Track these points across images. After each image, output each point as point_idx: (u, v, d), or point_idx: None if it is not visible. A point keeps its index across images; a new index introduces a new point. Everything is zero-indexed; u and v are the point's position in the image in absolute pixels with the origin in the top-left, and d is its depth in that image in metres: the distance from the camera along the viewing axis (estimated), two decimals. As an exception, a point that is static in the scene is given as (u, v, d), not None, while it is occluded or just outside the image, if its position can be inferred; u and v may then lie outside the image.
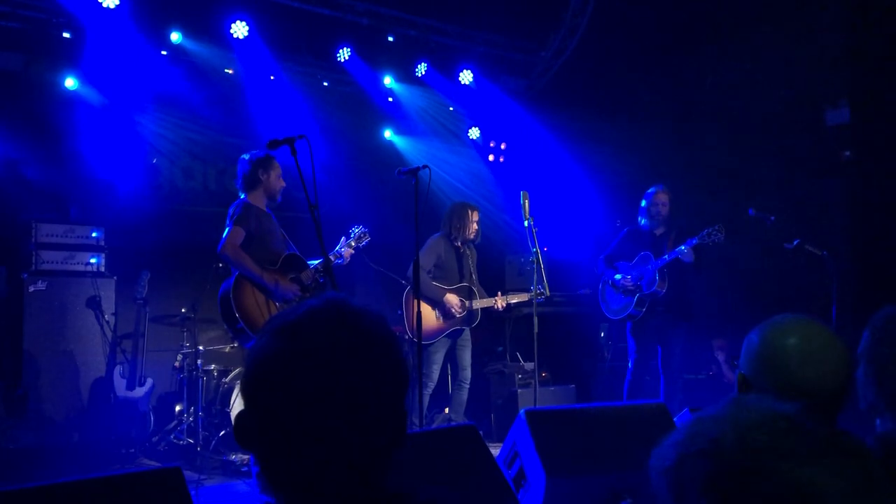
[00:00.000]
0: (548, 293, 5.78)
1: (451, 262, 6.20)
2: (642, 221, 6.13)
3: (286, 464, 1.12)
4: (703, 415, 0.97)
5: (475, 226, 6.24)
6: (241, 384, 1.18)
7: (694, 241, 5.72)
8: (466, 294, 6.24)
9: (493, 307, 6.29)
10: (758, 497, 0.87)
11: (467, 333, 6.29)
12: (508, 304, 6.42)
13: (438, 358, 6.09)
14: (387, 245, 6.24)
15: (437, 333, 6.05)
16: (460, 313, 6.11)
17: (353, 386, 1.11)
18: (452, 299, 6.08)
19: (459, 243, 6.25)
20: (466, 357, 6.28)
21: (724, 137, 7.40)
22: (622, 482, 3.17)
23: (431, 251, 6.13)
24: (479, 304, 6.23)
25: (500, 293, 6.37)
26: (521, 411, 3.39)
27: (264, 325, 1.21)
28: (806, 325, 1.67)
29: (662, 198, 6.05)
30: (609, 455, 3.33)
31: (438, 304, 6.06)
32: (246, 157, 4.95)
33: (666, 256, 5.84)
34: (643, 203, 6.11)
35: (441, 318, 6.08)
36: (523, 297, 6.39)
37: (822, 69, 6.86)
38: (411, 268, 6.07)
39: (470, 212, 6.23)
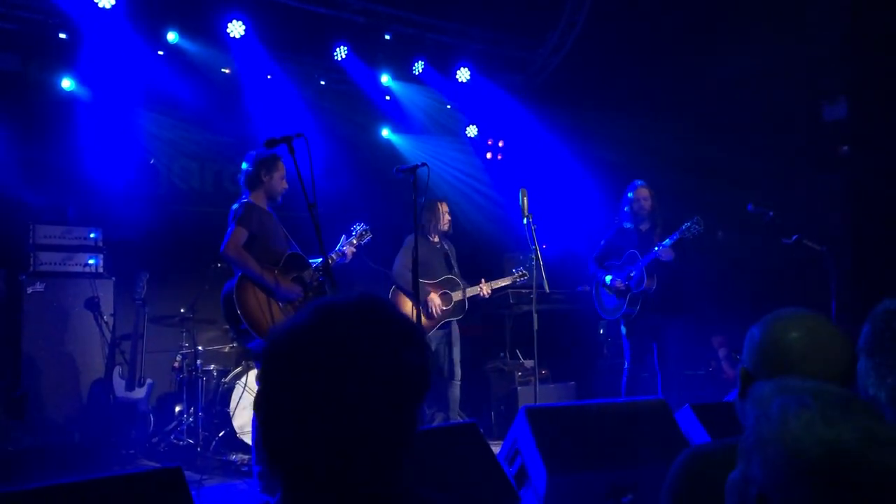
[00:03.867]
0: (547, 290, 5.78)
1: (430, 258, 6.22)
2: (627, 215, 6.16)
3: (293, 451, 1.12)
4: (828, 424, 0.94)
5: (447, 216, 6.33)
6: (263, 363, 1.17)
7: (675, 237, 5.76)
8: (452, 286, 6.28)
9: (478, 295, 6.33)
10: None
11: (456, 330, 6.32)
12: (499, 295, 6.48)
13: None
14: (385, 243, 6.24)
15: (428, 328, 6.08)
16: (439, 314, 6.13)
17: (382, 371, 1.11)
18: (434, 299, 6.12)
19: (436, 238, 6.30)
20: (456, 353, 6.31)
21: (722, 133, 7.40)
22: (624, 478, 3.18)
23: (409, 249, 6.17)
24: (462, 294, 6.27)
25: (483, 280, 6.40)
26: (522, 408, 3.40)
27: (300, 311, 1.21)
28: (808, 319, 1.67)
29: (643, 193, 6.08)
30: (610, 451, 3.34)
31: (422, 303, 6.07)
32: (251, 156, 4.93)
33: (648, 255, 5.87)
34: (624, 200, 6.14)
35: (425, 315, 6.09)
36: (506, 281, 6.49)
37: (819, 64, 6.86)
38: (395, 265, 6.14)
39: (439, 204, 6.34)
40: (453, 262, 6.40)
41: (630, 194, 6.11)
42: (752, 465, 0.97)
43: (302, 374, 1.11)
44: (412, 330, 1.18)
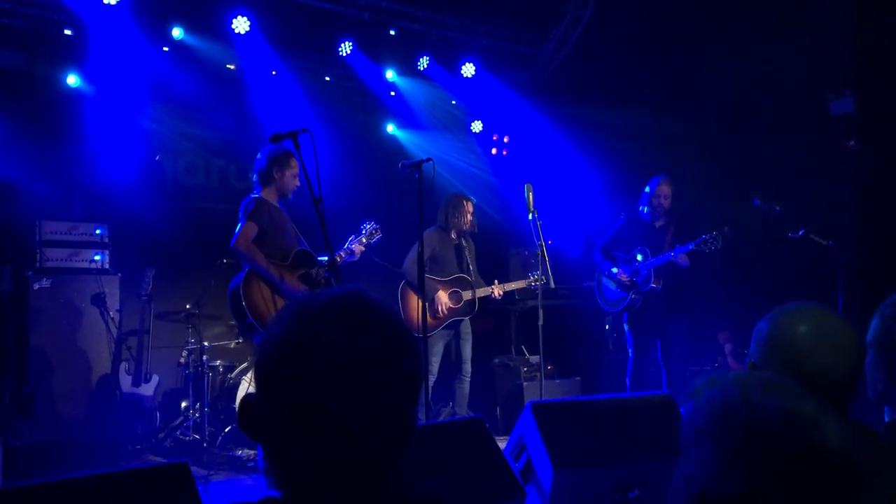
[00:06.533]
0: (552, 285, 5.76)
1: (446, 254, 6.19)
2: (644, 210, 6.07)
3: (292, 453, 1.11)
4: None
5: (470, 216, 6.25)
6: (256, 366, 1.16)
7: (690, 247, 5.65)
8: (464, 285, 6.24)
9: (490, 296, 6.28)
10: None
11: (467, 326, 6.28)
12: (506, 292, 6.42)
13: (438, 350, 6.09)
14: (391, 240, 6.23)
15: (434, 326, 6.03)
16: (445, 313, 6.08)
17: (371, 378, 1.10)
18: (441, 297, 6.06)
19: (455, 235, 6.26)
20: (467, 350, 6.28)
21: (729, 127, 7.37)
22: (630, 473, 3.17)
23: (426, 244, 6.12)
24: (472, 294, 6.22)
25: (496, 281, 6.35)
26: (528, 404, 3.39)
27: (284, 308, 1.19)
28: (816, 313, 1.66)
29: (665, 189, 5.97)
30: (616, 447, 3.33)
31: (430, 300, 6.03)
32: (264, 152, 4.94)
33: (661, 256, 5.79)
34: (646, 191, 6.04)
35: (430, 313, 6.05)
36: (521, 284, 6.41)
37: (825, 59, 6.83)
38: (406, 262, 6.11)
39: (465, 202, 6.26)
40: (470, 260, 6.32)
41: (651, 188, 6.00)
42: (690, 461, 0.99)
43: (295, 390, 1.09)
44: (402, 325, 1.17)
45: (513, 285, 6.40)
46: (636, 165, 7.29)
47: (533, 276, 6.28)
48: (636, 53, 7.79)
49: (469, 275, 6.28)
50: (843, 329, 1.65)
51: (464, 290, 6.21)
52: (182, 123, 7.35)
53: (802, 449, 0.90)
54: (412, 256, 6.06)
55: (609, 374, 7.50)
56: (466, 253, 6.33)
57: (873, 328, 1.84)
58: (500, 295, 6.30)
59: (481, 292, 6.24)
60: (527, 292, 7.45)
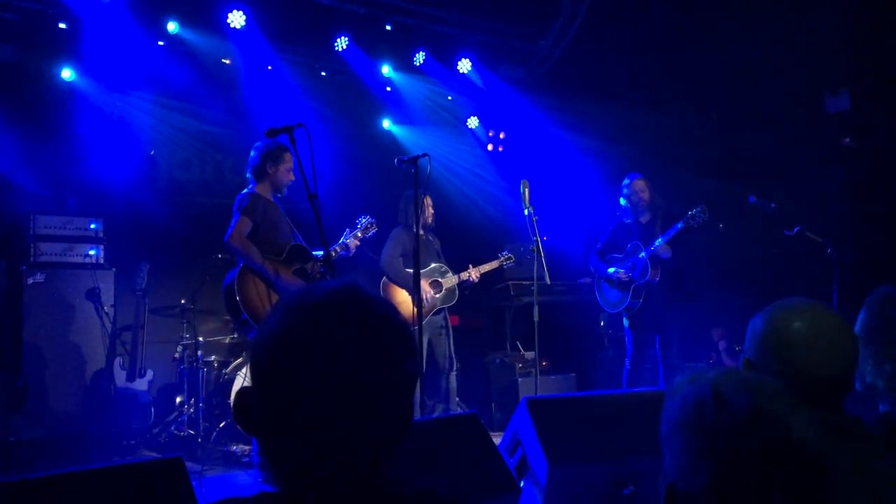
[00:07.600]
0: (548, 281, 5.78)
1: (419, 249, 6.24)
2: (625, 205, 6.15)
3: (290, 447, 1.10)
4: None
5: (430, 209, 6.34)
6: (252, 359, 1.15)
7: (679, 226, 5.73)
8: (441, 274, 6.31)
9: (468, 279, 6.35)
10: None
11: (446, 322, 6.33)
12: (498, 288, 6.47)
13: (422, 344, 6.13)
14: (386, 234, 6.23)
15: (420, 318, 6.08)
16: (429, 301, 6.15)
17: (369, 371, 1.09)
18: (424, 287, 6.11)
19: (420, 231, 6.31)
20: (449, 344, 6.31)
21: (725, 124, 7.38)
22: (625, 469, 3.17)
23: (397, 242, 6.20)
24: (453, 280, 6.30)
25: (471, 265, 6.42)
26: (523, 399, 3.38)
27: (280, 301, 1.18)
28: (811, 309, 1.66)
29: (639, 185, 6.08)
30: (611, 443, 3.33)
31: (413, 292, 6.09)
32: (258, 147, 4.93)
33: (654, 242, 5.86)
34: (622, 194, 6.14)
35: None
36: (494, 265, 6.56)
37: (821, 56, 6.83)
38: (382, 256, 6.14)
39: (424, 198, 6.31)
40: (440, 253, 6.43)
41: (626, 188, 6.11)
42: (665, 456, 1.00)
43: (292, 384, 1.08)
44: (398, 317, 1.16)
45: (486, 267, 6.51)
46: (632, 161, 7.28)
47: (503, 256, 6.47)
48: (633, 50, 7.79)
49: (443, 264, 6.34)
50: (837, 325, 1.65)
51: (442, 277, 6.28)
52: (177, 118, 7.33)
53: (767, 447, 0.90)
54: (389, 252, 6.12)
55: (605, 371, 7.50)
56: (434, 247, 6.40)
57: (860, 320, 1.85)
58: (477, 277, 6.41)
59: (461, 276, 6.34)
60: (522, 288, 7.46)
